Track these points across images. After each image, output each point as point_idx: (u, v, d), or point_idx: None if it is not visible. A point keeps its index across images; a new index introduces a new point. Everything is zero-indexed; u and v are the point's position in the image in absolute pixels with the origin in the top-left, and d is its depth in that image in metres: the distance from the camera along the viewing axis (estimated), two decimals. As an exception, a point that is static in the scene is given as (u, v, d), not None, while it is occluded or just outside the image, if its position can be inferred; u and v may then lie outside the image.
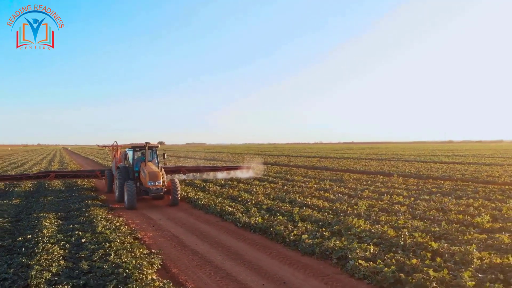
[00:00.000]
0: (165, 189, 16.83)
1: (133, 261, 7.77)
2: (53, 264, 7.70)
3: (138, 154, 18.23)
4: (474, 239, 9.37)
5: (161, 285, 6.82)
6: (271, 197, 16.85)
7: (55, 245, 9.06)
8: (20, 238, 9.87)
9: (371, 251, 8.56)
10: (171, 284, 6.91)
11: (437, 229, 10.41)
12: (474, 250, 8.31)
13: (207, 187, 20.48)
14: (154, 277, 7.25)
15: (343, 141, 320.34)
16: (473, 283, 6.59)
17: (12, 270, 7.49)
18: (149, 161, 17.57)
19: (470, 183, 20.90)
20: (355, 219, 11.47)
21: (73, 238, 9.92)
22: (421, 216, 12.33)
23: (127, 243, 9.56)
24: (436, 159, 46.21)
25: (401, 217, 12.08)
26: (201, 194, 17.84)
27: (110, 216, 13.07)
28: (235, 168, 27.12)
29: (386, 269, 7.32)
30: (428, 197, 15.97)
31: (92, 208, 14.15)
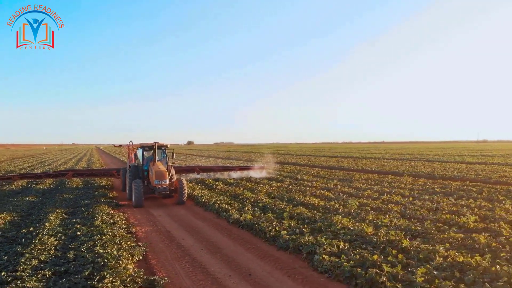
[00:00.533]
0: (173, 188, 17.51)
1: (114, 252, 8.45)
2: (44, 253, 8.51)
3: (149, 153, 19.02)
4: (450, 238, 9.49)
5: (133, 273, 7.45)
6: (272, 195, 17.28)
7: (52, 237, 9.92)
8: (23, 230, 10.82)
9: (340, 247, 8.90)
10: (142, 273, 7.54)
11: (418, 227, 10.58)
12: (441, 248, 8.50)
13: (215, 185, 21.12)
14: (129, 266, 7.88)
15: (374, 141, 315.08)
16: (422, 278, 6.84)
17: (6, 257, 8.36)
18: (158, 161, 18.35)
19: (478, 183, 20.55)
20: (340, 217, 11.78)
21: (71, 231, 10.77)
22: (410, 216, 12.46)
23: (119, 236, 10.29)
24: (460, 159, 45.05)
25: (388, 216, 12.26)
26: (205, 192, 18.49)
27: (112, 212, 13.90)
28: (248, 168, 27.65)
29: (345, 263, 7.67)
30: (427, 197, 15.96)
31: (99, 205, 15.04)
